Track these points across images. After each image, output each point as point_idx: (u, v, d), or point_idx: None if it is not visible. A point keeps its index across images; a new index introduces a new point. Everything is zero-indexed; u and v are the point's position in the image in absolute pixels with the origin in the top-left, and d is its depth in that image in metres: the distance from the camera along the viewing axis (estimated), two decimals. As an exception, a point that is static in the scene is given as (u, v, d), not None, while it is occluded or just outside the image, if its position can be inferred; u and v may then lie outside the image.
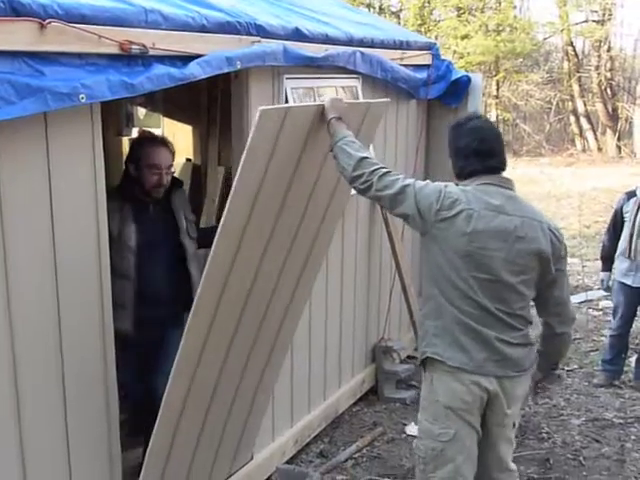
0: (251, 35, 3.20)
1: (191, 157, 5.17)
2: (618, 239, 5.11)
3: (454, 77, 5.19)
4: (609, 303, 6.31)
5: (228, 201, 2.45)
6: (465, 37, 19.24)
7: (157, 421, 2.69)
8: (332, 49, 3.83)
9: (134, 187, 3.30)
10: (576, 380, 5.42)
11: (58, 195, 2.46)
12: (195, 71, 2.79)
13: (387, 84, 4.60)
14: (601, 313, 6.93)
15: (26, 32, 2.18)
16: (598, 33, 19.91)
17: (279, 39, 3.38)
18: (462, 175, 2.78)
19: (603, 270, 5.38)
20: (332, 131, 2.73)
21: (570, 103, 21.25)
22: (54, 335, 2.52)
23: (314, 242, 3.15)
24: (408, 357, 5.38)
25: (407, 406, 4.88)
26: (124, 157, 3.53)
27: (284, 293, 3.11)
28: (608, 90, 20.67)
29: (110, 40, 2.45)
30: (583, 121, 20.76)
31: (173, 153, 3.40)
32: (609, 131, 20.29)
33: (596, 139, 20.48)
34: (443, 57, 5.32)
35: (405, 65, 4.76)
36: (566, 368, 5.57)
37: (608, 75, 20.43)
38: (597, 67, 20.51)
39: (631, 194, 5.09)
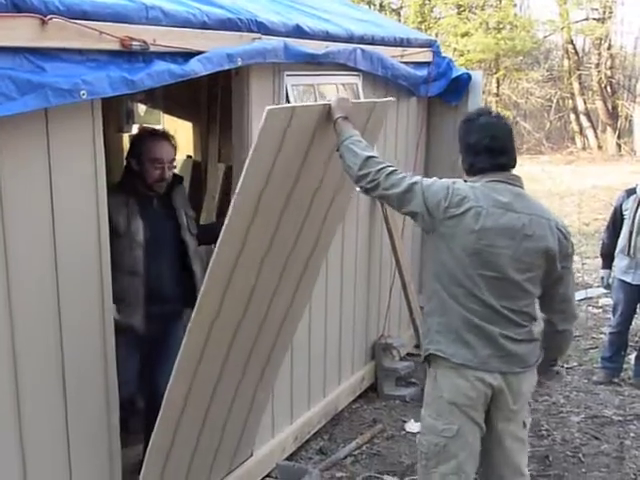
0: (252, 32, 3.19)
1: (191, 154, 5.18)
2: (618, 237, 5.11)
3: (454, 75, 5.19)
4: (609, 301, 6.31)
5: (233, 200, 2.44)
6: (465, 35, 19.18)
7: (158, 418, 2.69)
8: (333, 46, 3.82)
9: (136, 182, 3.26)
10: (575, 377, 5.42)
11: (59, 191, 2.46)
12: (196, 68, 2.79)
13: (387, 81, 4.60)
14: (601, 311, 6.94)
15: (27, 28, 2.18)
16: (598, 31, 19.86)
17: (280, 36, 3.38)
18: (471, 171, 2.76)
19: (603, 268, 5.38)
20: (339, 130, 2.71)
21: (570, 101, 21.21)
22: (54, 331, 2.52)
23: (316, 243, 3.15)
24: (408, 354, 5.37)
25: (407, 403, 4.88)
26: (124, 153, 3.51)
27: (285, 295, 3.11)
28: (608, 88, 20.62)
29: (111, 36, 2.44)
30: (583, 119, 20.71)
31: (175, 147, 3.37)
32: (609, 129, 20.25)
33: (596, 137, 20.44)
34: (443, 55, 5.33)
35: (405, 62, 4.76)
36: (566, 365, 5.57)
37: (608, 73, 20.39)
38: (597, 65, 20.46)
39: (631, 192, 5.09)
